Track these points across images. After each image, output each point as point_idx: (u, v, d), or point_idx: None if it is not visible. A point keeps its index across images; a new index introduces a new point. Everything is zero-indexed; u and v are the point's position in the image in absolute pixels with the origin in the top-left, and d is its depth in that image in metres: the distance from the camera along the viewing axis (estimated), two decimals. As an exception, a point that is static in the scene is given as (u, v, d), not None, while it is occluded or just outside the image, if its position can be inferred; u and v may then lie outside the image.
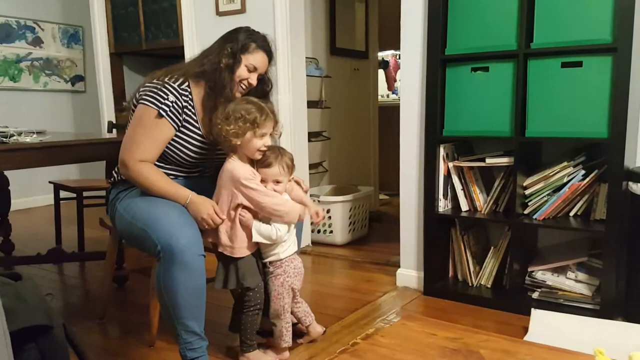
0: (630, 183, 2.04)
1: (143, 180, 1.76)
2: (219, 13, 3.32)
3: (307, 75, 3.40)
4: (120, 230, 1.85)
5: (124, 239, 2.04)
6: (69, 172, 4.81)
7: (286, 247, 1.86)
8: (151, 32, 4.20)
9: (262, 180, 1.76)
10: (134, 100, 1.85)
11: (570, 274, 2.26)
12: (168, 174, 1.84)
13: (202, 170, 1.94)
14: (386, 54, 5.82)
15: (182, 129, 1.83)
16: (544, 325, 2.07)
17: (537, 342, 1.92)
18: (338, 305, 2.45)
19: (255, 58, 1.85)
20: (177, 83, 1.82)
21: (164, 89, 1.79)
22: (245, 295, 1.83)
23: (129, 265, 2.90)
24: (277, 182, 1.78)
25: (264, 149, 1.74)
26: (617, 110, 1.96)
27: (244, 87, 1.87)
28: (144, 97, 1.79)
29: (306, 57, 3.43)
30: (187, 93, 1.82)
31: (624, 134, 1.96)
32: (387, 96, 5.99)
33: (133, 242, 1.84)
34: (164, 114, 1.76)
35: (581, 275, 2.24)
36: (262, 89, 1.94)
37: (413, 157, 2.59)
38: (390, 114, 4.31)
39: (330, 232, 3.47)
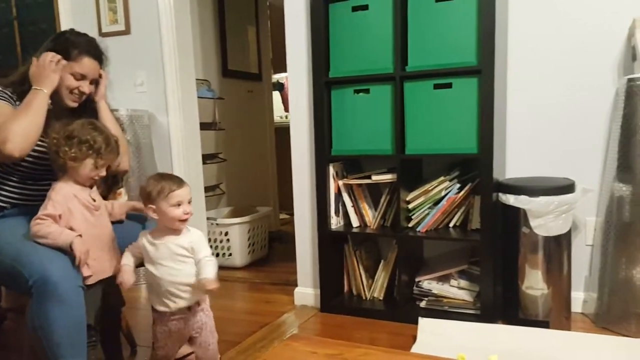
0: (500, 194, 2.21)
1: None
2: (102, 34, 3.19)
3: (198, 97, 3.36)
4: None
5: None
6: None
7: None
8: (29, 54, 3.93)
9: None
10: None
11: (453, 282, 2.40)
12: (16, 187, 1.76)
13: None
14: (281, 77, 5.90)
15: None
16: (431, 333, 2.17)
17: (424, 350, 2.02)
18: (236, 330, 2.41)
19: (80, 65, 1.77)
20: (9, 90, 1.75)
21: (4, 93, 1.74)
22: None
23: (6, 303, 2.66)
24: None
25: (97, 178, 1.68)
26: (484, 128, 2.13)
27: (76, 95, 1.79)
28: None
29: (197, 79, 3.39)
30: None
31: (492, 149, 2.13)
32: (286, 117, 6.06)
33: (2, 280, 1.69)
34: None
35: (463, 283, 2.39)
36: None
37: (305, 177, 2.63)
38: (287, 135, 4.33)
39: (229, 255, 3.42)
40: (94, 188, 1.73)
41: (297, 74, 2.58)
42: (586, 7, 2.26)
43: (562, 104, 2.34)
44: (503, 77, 2.35)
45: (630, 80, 2.04)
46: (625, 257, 2.11)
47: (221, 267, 3.38)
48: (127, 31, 3.15)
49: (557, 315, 2.20)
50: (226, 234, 3.39)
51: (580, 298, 2.37)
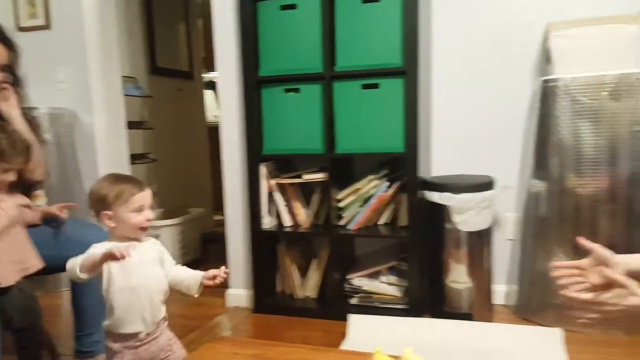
0: (426, 192, 2.28)
1: None
2: (20, 29, 3.01)
3: (125, 95, 3.24)
4: None
5: None
6: None
7: None
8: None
9: None
10: None
11: (383, 278, 2.45)
12: None
13: None
14: (215, 75, 5.81)
15: None
16: (360, 329, 2.21)
17: (353, 346, 2.05)
18: (165, 335, 2.34)
19: None
20: None
21: None
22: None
23: None
24: None
25: (6, 182, 1.56)
26: (410, 127, 2.19)
27: None
28: None
29: (124, 76, 3.27)
30: None
31: (417, 148, 2.19)
32: (221, 116, 5.97)
33: None
34: None
35: (392, 278, 2.44)
36: (15, 81, 1.76)
37: (237, 177, 2.60)
38: (221, 134, 4.30)
39: (159, 258, 3.32)
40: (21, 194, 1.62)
41: (226, 73, 2.54)
42: (505, 11, 2.37)
43: (483, 104, 2.44)
44: (427, 78, 2.42)
45: (545, 81, 2.16)
46: (542, 250, 2.22)
47: (151, 271, 3.30)
48: (47, 26, 2.99)
49: (480, 307, 2.29)
50: (157, 236, 3.28)
51: (502, 290, 2.48)
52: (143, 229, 1.39)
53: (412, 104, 2.17)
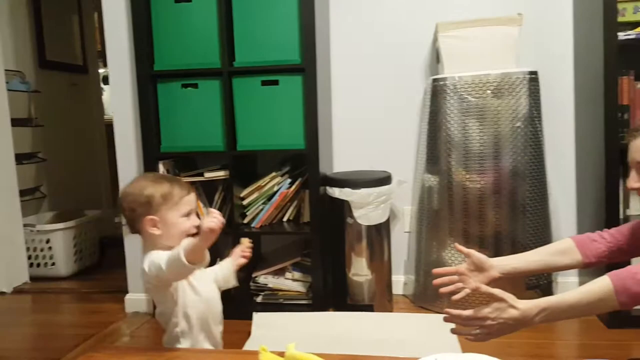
0: (327, 188, 2.31)
1: None
2: None
3: (9, 90, 2.99)
4: None
5: None
6: None
7: None
8: None
9: None
10: None
11: (288, 275, 2.45)
12: None
13: None
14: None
15: None
16: (265, 327, 2.20)
17: (257, 344, 2.03)
18: (56, 345, 2.20)
19: None
20: None
21: None
22: None
23: None
24: None
25: None
26: (310, 124, 2.21)
27: None
28: None
29: (7, 70, 3.02)
30: None
31: (317, 145, 2.22)
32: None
33: None
34: None
35: (297, 274, 2.45)
36: None
37: (132, 176, 2.46)
38: (120, 132, 4.09)
39: (52, 265, 3.10)
40: None
41: (119, 67, 2.43)
42: (398, 11, 2.46)
43: (380, 102, 2.52)
44: (327, 76, 2.46)
45: (434, 80, 2.27)
46: (436, 241, 2.33)
47: (42, 278, 3.09)
48: None
49: (381, 298, 2.37)
50: (48, 241, 3.07)
51: (401, 281, 2.57)
52: (191, 236, 1.22)
53: (312, 101, 2.19)
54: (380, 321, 2.21)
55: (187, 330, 1.24)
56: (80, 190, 3.92)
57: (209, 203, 2.51)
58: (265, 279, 2.46)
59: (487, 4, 2.36)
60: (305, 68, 2.17)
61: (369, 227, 2.29)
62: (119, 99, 2.46)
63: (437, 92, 2.25)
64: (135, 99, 2.39)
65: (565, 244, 1.28)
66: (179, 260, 1.07)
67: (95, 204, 3.93)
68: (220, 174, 2.40)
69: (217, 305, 1.32)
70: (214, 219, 1.06)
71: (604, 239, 1.25)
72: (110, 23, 2.41)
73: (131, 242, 2.55)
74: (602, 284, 1.01)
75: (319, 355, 0.96)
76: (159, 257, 1.14)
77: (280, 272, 2.47)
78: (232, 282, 1.39)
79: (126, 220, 1.24)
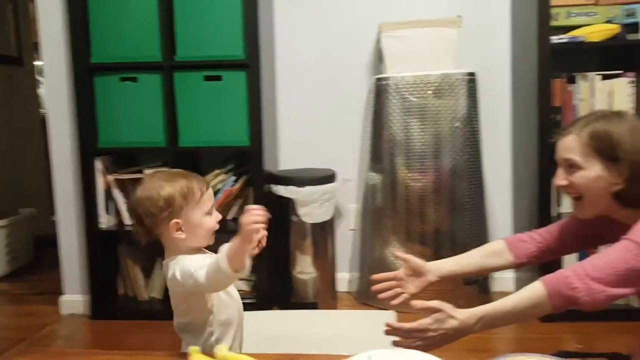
0: (272, 185, 2.30)
1: None
2: None
3: None
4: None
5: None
6: None
7: None
8: None
9: None
10: None
11: (232, 274, 2.42)
12: None
13: None
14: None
15: None
16: (207, 327, 2.16)
17: (198, 344, 2.00)
18: (-17, 351, 2.08)
19: None
20: None
21: None
22: None
23: None
24: None
25: None
26: (254, 121, 2.19)
27: None
28: None
29: None
30: None
31: (261, 142, 2.20)
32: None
33: None
34: None
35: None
36: None
37: (68, 173, 2.40)
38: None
39: (-19, 266, 2.94)
40: None
41: (54, 58, 2.32)
42: (342, 9, 2.47)
43: (325, 100, 2.52)
44: (272, 73, 2.45)
45: (378, 79, 2.29)
46: (379, 238, 2.36)
47: (-31, 280, 2.92)
48: None
49: (325, 296, 2.38)
50: (-24, 241, 2.91)
51: (345, 278, 2.59)
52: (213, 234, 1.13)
53: (256, 97, 2.17)
54: (324, 318, 2.22)
55: (221, 337, 1.14)
56: (15, 187, 3.73)
57: (151, 201, 2.44)
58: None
59: (429, 6, 2.41)
60: (249, 64, 2.15)
61: (313, 225, 2.29)
62: (53, 92, 2.35)
63: (380, 92, 2.28)
64: (71, 92, 2.29)
65: (497, 245, 1.31)
66: (222, 272, 0.97)
67: (30, 202, 3.75)
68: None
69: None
70: (257, 215, 0.95)
71: (534, 239, 1.29)
72: (45, 12, 2.30)
73: (66, 241, 2.45)
74: (535, 290, 1.04)
75: (258, 355, 0.92)
76: (192, 267, 1.03)
77: (224, 271, 2.43)
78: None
79: (140, 228, 1.10)
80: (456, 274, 1.30)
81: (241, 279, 2.39)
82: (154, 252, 2.55)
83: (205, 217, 1.10)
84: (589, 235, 1.23)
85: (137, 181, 2.29)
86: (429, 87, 2.18)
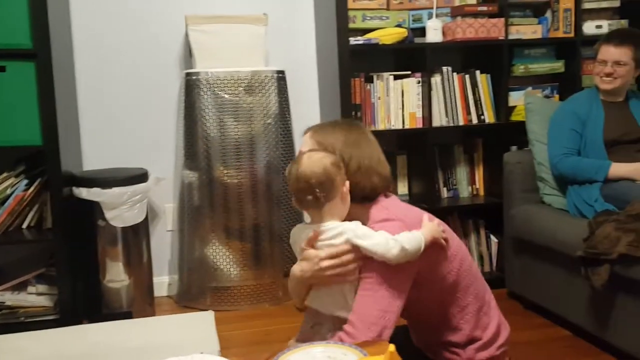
0: (74, 188, 2.10)
1: None
2: None
3: None
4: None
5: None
6: None
7: None
8: None
9: None
10: None
11: (31, 289, 2.17)
12: None
13: None
14: None
15: None
16: (4, 352, 1.90)
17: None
18: None
19: None
20: None
21: None
22: None
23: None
24: None
25: None
26: (47, 117, 1.98)
27: None
28: None
29: None
30: None
31: (57, 141, 1.99)
32: None
33: None
34: None
35: (41, 288, 2.18)
36: None
37: None
38: None
39: None
40: None
41: None
42: (147, 2, 2.34)
43: (133, 95, 2.38)
44: (69, 66, 2.24)
45: (188, 74, 2.23)
46: (198, 238, 2.31)
47: None
48: None
49: (141, 303, 2.25)
50: None
51: (164, 282, 2.49)
52: None
53: (48, 90, 1.96)
54: (139, 327, 2.09)
55: None
56: None
57: None
58: (2, 295, 2.13)
59: (237, 1, 2.40)
60: (38, 53, 1.93)
61: (124, 229, 2.15)
62: None
63: (191, 87, 2.21)
64: None
65: None
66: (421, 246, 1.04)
67: None
68: None
69: None
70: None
71: None
72: None
73: None
74: None
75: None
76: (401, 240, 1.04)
77: (21, 287, 2.17)
78: None
79: (313, 198, 1.05)
80: None
81: (42, 294, 2.16)
82: None
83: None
84: None
85: None
86: (240, 84, 2.18)
